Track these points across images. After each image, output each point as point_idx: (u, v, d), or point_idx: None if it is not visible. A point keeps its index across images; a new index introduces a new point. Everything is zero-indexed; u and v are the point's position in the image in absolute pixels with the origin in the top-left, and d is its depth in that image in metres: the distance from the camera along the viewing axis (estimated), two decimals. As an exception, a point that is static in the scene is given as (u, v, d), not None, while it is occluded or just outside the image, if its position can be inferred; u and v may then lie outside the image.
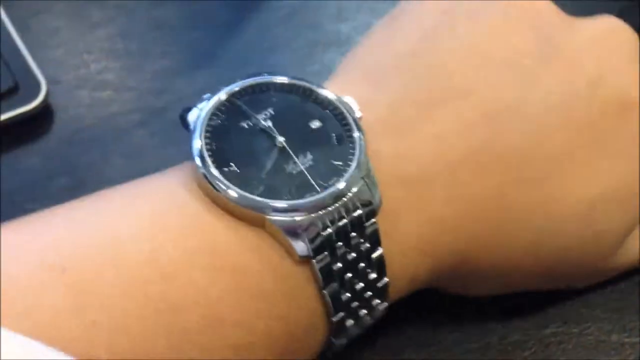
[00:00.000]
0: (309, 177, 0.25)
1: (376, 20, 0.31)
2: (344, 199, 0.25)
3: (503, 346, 0.31)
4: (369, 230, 0.26)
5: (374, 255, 0.26)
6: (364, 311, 0.27)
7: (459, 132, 0.27)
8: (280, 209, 0.24)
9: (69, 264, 0.23)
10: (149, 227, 0.24)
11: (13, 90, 0.36)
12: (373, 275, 0.26)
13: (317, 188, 0.25)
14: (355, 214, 0.25)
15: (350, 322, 0.26)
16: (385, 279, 0.26)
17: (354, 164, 0.26)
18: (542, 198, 0.28)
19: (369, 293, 0.26)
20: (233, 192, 0.24)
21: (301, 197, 0.25)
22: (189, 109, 0.26)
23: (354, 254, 0.25)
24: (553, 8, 0.30)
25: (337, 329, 0.26)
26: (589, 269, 0.31)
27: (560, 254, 0.29)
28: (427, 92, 0.28)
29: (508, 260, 0.28)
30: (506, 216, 0.28)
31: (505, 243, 0.28)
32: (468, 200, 0.27)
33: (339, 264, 0.25)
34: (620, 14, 0.31)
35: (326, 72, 0.30)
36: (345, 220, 0.25)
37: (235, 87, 0.27)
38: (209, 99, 0.26)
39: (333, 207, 0.25)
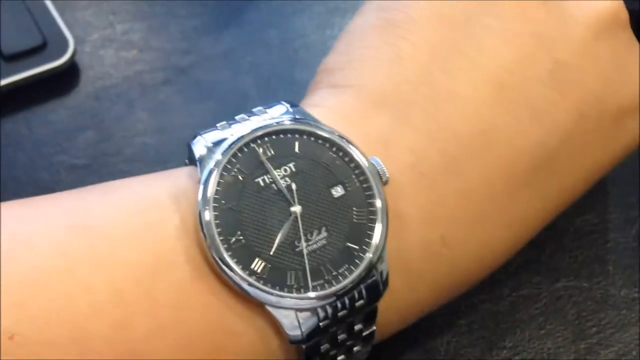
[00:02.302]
0: (319, 262, 0.23)
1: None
2: (352, 292, 0.23)
3: (514, 298, 0.32)
4: (367, 315, 0.24)
5: (366, 331, 0.25)
6: None
7: (482, 184, 0.26)
8: (282, 298, 0.22)
9: (19, 330, 0.20)
10: (126, 289, 0.21)
11: (42, 47, 0.37)
12: (358, 348, 0.25)
13: (325, 275, 0.23)
14: (358, 304, 0.23)
15: None
16: (369, 347, 0.26)
17: (369, 255, 0.23)
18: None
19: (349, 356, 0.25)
20: (235, 273, 0.22)
21: (306, 286, 0.23)
22: (195, 136, 0.24)
23: (345, 335, 0.24)
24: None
25: None
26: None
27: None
28: (446, 132, 0.25)
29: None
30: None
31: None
32: (495, 254, 0.27)
33: (328, 346, 0.24)
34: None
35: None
36: (346, 311, 0.23)
37: (257, 131, 0.24)
38: (222, 128, 0.24)
39: (338, 300, 0.23)
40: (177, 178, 0.24)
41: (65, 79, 0.37)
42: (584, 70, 0.27)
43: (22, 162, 0.35)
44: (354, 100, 0.26)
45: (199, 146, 0.24)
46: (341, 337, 0.24)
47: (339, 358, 0.25)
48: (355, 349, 0.25)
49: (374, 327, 0.25)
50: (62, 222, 0.22)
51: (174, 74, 0.38)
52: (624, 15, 0.29)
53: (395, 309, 0.25)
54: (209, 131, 0.24)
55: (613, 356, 0.31)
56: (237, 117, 0.25)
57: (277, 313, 0.23)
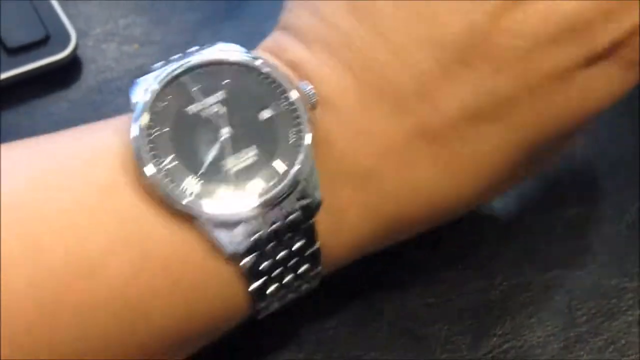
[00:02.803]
0: (248, 178, 0.25)
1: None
2: (281, 205, 0.25)
3: (505, 287, 0.33)
4: (305, 231, 0.26)
5: (309, 249, 0.26)
6: (292, 295, 0.27)
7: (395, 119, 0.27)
8: (212, 212, 0.24)
9: None
10: (78, 212, 0.23)
11: (44, 40, 0.37)
12: (306, 267, 0.26)
13: (254, 190, 0.25)
14: (293, 217, 0.25)
15: (275, 305, 0.27)
16: (318, 269, 0.27)
17: (296, 168, 0.25)
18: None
19: (299, 282, 0.27)
20: (167, 193, 0.24)
21: (236, 200, 0.24)
22: (140, 75, 0.26)
23: (285, 252, 0.25)
24: None
25: (262, 312, 0.27)
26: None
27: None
28: (379, 74, 0.27)
29: (439, 215, 0.29)
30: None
31: (438, 207, 0.28)
32: (410, 189, 0.27)
33: (269, 263, 0.25)
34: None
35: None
36: (279, 223, 0.25)
37: (187, 62, 0.26)
38: (159, 68, 0.26)
39: (268, 211, 0.25)
40: (121, 118, 0.26)
41: (67, 72, 0.38)
42: None
43: (25, 154, 0.35)
44: (284, 38, 0.28)
45: (139, 89, 0.26)
46: (282, 254, 0.25)
47: (287, 278, 0.26)
48: (302, 268, 0.26)
49: (317, 245, 0.26)
50: (16, 158, 0.25)
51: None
52: None
53: (332, 229, 0.26)
54: (149, 72, 0.26)
55: (602, 344, 0.32)
56: (172, 57, 0.26)
57: (210, 227, 0.24)
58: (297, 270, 0.26)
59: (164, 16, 0.40)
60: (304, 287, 0.27)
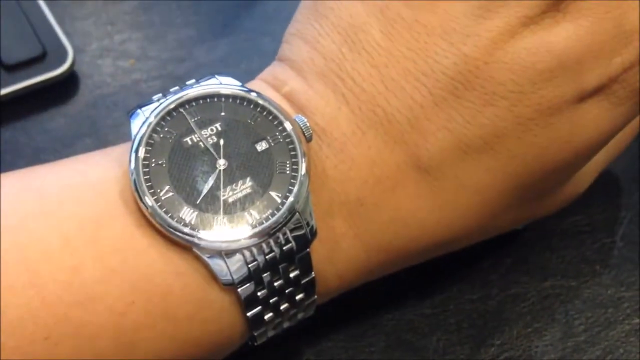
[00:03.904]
0: (243, 209, 0.25)
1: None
2: (277, 235, 0.25)
3: (502, 297, 0.33)
4: (300, 261, 0.26)
5: (304, 279, 0.26)
6: (288, 323, 0.28)
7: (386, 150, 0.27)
8: (209, 237, 0.24)
9: None
10: (74, 239, 0.24)
11: (41, 57, 0.38)
12: (301, 296, 0.27)
13: (250, 221, 0.25)
14: (287, 247, 0.25)
15: (272, 333, 0.27)
16: (314, 298, 0.27)
17: (291, 199, 0.25)
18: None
19: (294, 310, 0.27)
20: (164, 219, 0.24)
21: (232, 230, 0.25)
22: (135, 110, 0.26)
23: (282, 282, 0.26)
24: None
25: (259, 338, 0.27)
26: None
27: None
28: (365, 102, 0.27)
29: (432, 246, 0.29)
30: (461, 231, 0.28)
31: (433, 238, 0.28)
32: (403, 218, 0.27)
33: (265, 292, 0.26)
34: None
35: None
36: (275, 253, 0.25)
37: (185, 95, 0.26)
38: (158, 100, 0.26)
39: (263, 241, 0.25)
40: (118, 148, 0.27)
41: (64, 88, 0.38)
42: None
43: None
44: (281, 70, 0.29)
45: (138, 121, 0.26)
46: (278, 283, 0.26)
47: (283, 306, 0.27)
48: (297, 297, 0.27)
49: (312, 274, 0.26)
50: (15, 186, 0.25)
51: (171, 82, 0.39)
52: None
53: (327, 259, 0.27)
54: (147, 104, 0.26)
55: (600, 354, 0.32)
56: (172, 90, 0.27)
57: (206, 257, 0.25)
58: (293, 299, 0.27)
59: (160, 32, 0.41)
60: (300, 315, 0.28)
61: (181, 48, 0.40)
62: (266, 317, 0.26)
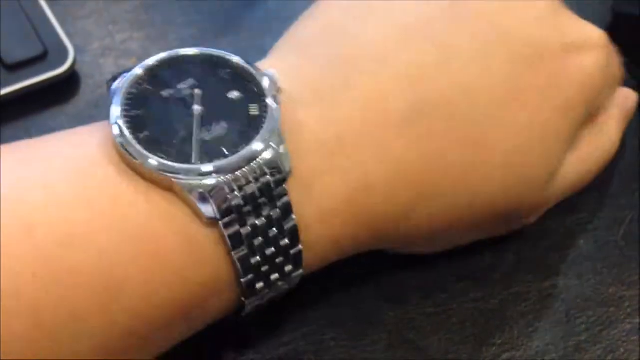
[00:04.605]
0: (220, 144, 0.26)
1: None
2: (252, 165, 0.26)
3: (504, 296, 0.33)
4: (279, 198, 0.26)
5: (286, 222, 0.27)
6: (276, 276, 0.27)
7: (379, 96, 0.29)
8: (188, 172, 0.25)
9: None
10: (61, 188, 0.25)
11: (42, 56, 0.38)
12: (285, 242, 0.27)
13: (226, 153, 0.26)
14: (264, 180, 0.26)
15: (260, 285, 0.27)
16: (299, 247, 0.27)
17: (263, 132, 0.27)
18: (473, 156, 0.29)
19: (281, 259, 0.27)
20: (144, 157, 0.25)
21: (210, 161, 0.26)
22: (115, 78, 0.28)
23: (263, 220, 0.26)
24: None
25: (248, 291, 0.27)
26: (517, 215, 0.32)
27: (490, 207, 0.30)
28: (346, 61, 0.29)
29: (446, 222, 0.30)
30: (443, 180, 0.29)
31: (442, 205, 0.29)
32: (400, 164, 0.28)
33: (248, 229, 0.26)
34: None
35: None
36: (252, 185, 0.26)
37: (157, 60, 0.28)
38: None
39: (240, 172, 0.26)
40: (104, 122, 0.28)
41: (65, 88, 0.38)
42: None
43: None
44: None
45: (116, 83, 0.28)
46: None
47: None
48: (286, 268, 0.27)
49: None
50: (12, 156, 0.26)
51: (172, 82, 0.39)
52: None
53: (304, 199, 0.27)
54: (127, 71, 0.28)
55: (601, 353, 0.32)
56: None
57: (187, 194, 0.25)
58: (278, 244, 0.27)
59: (162, 31, 0.41)
60: (287, 269, 0.27)
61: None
62: (252, 260, 0.26)
